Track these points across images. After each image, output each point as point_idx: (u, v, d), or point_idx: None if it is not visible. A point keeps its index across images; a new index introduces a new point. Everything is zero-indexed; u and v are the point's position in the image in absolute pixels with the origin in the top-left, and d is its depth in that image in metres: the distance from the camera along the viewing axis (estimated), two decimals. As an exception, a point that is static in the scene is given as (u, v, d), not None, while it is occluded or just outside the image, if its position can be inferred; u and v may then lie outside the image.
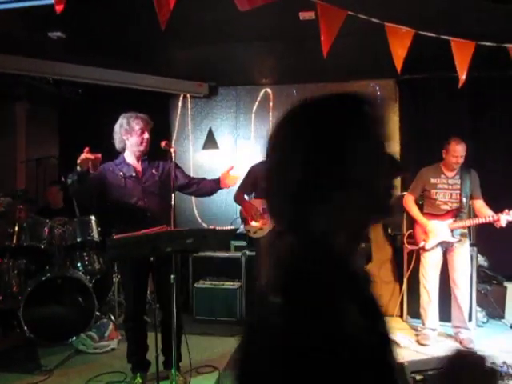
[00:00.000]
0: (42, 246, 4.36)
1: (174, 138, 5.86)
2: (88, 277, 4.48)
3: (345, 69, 5.05)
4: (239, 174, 3.57)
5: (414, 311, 4.64)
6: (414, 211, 4.25)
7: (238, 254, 5.11)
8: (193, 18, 3.65)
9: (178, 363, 3.14)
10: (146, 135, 3.23)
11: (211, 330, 4.51)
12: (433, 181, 4.17)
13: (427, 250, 4.15)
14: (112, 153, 3.31)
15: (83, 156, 2.86)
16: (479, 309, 4.64)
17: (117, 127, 3.24)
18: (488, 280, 4.84)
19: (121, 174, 3.21)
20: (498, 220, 3.88)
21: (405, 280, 4.74)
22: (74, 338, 4.06)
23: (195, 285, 4.95)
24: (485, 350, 3.67)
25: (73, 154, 3.01)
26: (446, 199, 4.13)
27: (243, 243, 5.20)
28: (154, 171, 3.29)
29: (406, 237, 4.38)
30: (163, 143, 3.13)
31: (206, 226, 5.69)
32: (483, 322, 4.64)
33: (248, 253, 5.03)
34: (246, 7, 2.54)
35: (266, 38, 4.14)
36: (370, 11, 2.78)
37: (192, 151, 5.88)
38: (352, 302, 0.71)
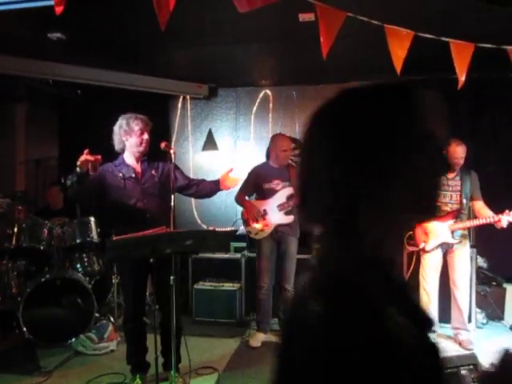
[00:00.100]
0: (42, 247, 4.36)
1: (174, 139, 5.86)
2: (87, 278, 4.47)
3: (344, 70, 5.05)
4: (239, 176, 3.57)
5: (414, 312, 4.63)
6: None
7: (238, 256, 5.11)
8: (192, 20, 3.66)
9: (177, 365, 3.14)
10: (146, 136, 3.23)
11: (211, 332, 4.51)
12: None
13: (427, 252, 4.15)
14: (112, 154, 3.31)
15: (83, 157, 2.86)
16: (479, 310, 4.64)
17: (116, 128, 3.24)
18: (487, 281, 4.84)
19: (120, 175, 3.21)
20: (499, 221, 3.88)
21: (404, 281, 4.73)
22: (74, 339, 4.05)
23: (195, 286, 4.95)
24: (484, 352, 3.67)
25: (72, 155, 3.02)
26: (446, 200, 4.13)
27: (243, 245, 5.20)
28: (153, 172, 3.29)
29: (405, 238, 4.38)
30: (163, 144, 3.13)
31: (205, 227, 5.69)
32: (483, 324, 4.64)
33: (248, 254, 5.03)
34: (245, 8, 2.54)
35: (265, 39, 4.15)
36: (369, 13, 2.78)
37: (192, 152, 5.88)
38: (397, 307, 0.67)
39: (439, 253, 4.16)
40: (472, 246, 4.44)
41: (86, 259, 4.64)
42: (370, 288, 0.67)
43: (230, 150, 5.81)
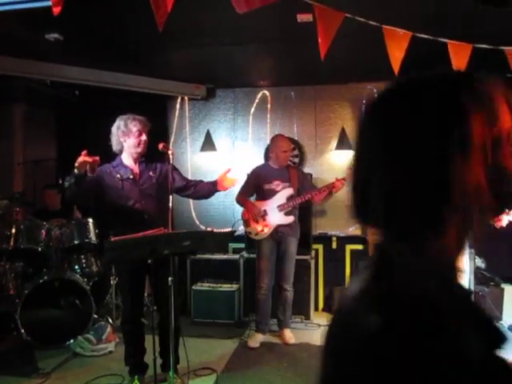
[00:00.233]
0: (40, 249, 4.35)
1: (172, 140, 5.86)
2: (85, 279, 4.47)
3: (342, 71, 5.06)
4: (236, 177, 3.58)
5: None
6: None
7: (236, 257, 5.11)
8: (190, 20, 3.65)
9: (175, 366, 3.14)
10: (144, 137, 3.23)
11: (209, 333, 4.51)
12: None
13: None
14: (110, 155, 3.30)
15: (81, 159, 2.85)
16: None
17: (114, 129, 3.24)
18: (485, 282, 4.85)
19: (118, 176, 3.20)
20: (500, 220, 3.88)
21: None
22: (72, 340, 4.05)
23: (193, 287, 4.94)
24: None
25: (70, 156, 3.01)
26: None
27: (241, 245, 5.20)
28: (151, 173, 3.29)
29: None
30: (161, 145, 3.13)
31: (203, 228, 5.68)
32: (481, 324, 4.64)
33: (246, 255, 5.03)
34: (243, 9, 2.54)
35: (263, 39, 4.15)
36: (367, 13, 2.79)
37: (190, 153, 5.87)
38: (467, 323, 0.61)
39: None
40: (470, 246, 4.44)
41: (84, 260, 4.64)
42: (439, 302, 0.61)
43: (228, 150, 5.81)
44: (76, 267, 4.59)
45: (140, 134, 3.21)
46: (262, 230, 4.22)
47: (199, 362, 3.66)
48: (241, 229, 5.09)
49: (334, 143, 5.55)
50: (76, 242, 4.51)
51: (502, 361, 0.62)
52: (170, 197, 3.14)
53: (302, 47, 4.01)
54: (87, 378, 3.45)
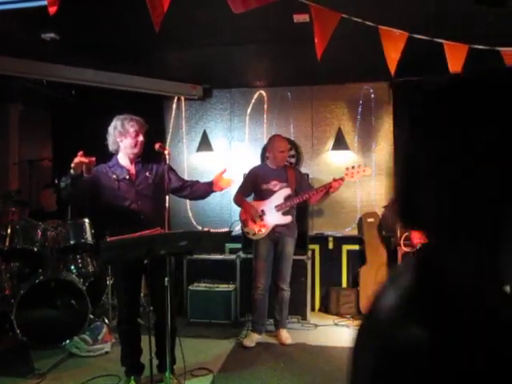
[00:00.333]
0: (35, 249, 4.33)
1: (168, 140, 5.85)
2: (81, 279, 4.45)
3: (339, 71, 5.06)
4: (232, 178, 3.57)
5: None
6: None
7: (233, 257, 5.10)
8: (187, 20, 3.65)
9: (172, 366, 3.13)
10: (141, 138, 3.22)
11: (206, 333, 4.51)
12: None
13: None
14: (106, 155, 3.30)
15: (77, 159, 2.84)
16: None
17: (111, 129, 3.23)
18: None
19: (114, 176, 3.19)
20: None
21: (399, 282, 4.75)
22: (68, 341, 4.03)
23: (190, 287, 4.94)
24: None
25: (66, 156, 3.00)
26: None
27: (238, 246, 5.20)
28: (147, 174, 3.28)
29: (402, 239, 4.39)
30: (157, 145, 3.12)
31: (200, 228, 5.68)
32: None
33: (243, 255, 5.03)
34: (240, 9, 2.54)
35: (260, 40, 4.15)
36: (363, 14, 2.79)
37: (186, 153, 5.87)
38: None
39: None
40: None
41: (80, 261, 4.63)
42: (498, 314, 0.56)
43: (224, 150, 5.80)
44: (72, 267, 4.57)
45: (137, 135, 3.20)
46: (260, 230, 4.22)
47: (195, 363, 3.66)
48: (237, 229, 5.09)
49: (331, 143, 5.55)
50: (72, 242, 4.49)
51: None
52: (167, 197, 3.13)
53: (299, 47, 4.01)
54: (83, 378, 3.44)
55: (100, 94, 5.22)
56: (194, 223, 5.77)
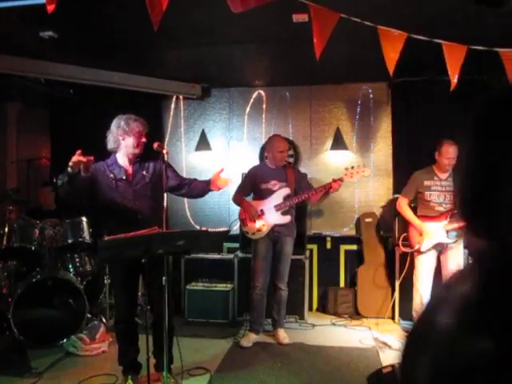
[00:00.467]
0: (33, 248, 4.33)
1: (167, 139, 5.84)
2: (79, 278, 4.45)
3: (338, 71, 5.07)
4: (230, 177, 3.56)
5: (406, 313, 4.65)
6: (409, 214, 4.27)
7: (231, 256, 5.11)
8: (186, 19, 3.65)
9: (169, 365, 3.13)
10: (144, 139, 3.22)
11: (203, 332, 4.50)
12: (426, 183, 4.20)
13: (422, 253, 4.16)
14: (104, 154, 3.29)
15: (75, 158, 2.83)
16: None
17: (113, 127, 3.21)
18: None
19: (111, 175, 3.18)
20: None
21: (397, 282, 4.75)
22: (65, 340, 4.03)
23: (187, 287, 4.94)
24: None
25: (64, 155, 2.99)
26: (440, 201, 4.16)
27: (236, 245, 5.20)
28: (144, 173, 3.27)
29: (400, 239, 4.39)
30: (155, 144, 3.11)
31: (198, 227, 5.68)
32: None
33: (240, 255, 5.03)
34: (239, 9, 2.54)
35: (259, 39, 4.15)
36: (362, 14, 2.79)
37: (185, 153, 5.86)
38: None
39: (433, 254, 4.17)
40: (465, 247, 4.46)
41: (77, 259, 4.62)
42: None
43: (223, 150, 5.80)
44: (69, 266, 4.57)
45: (140, 136, 3.20)
46: (259, 230, 4.22)
47: (193, 362, 3.66)
48: (235, 228, 5.09)
49: (329, 143, 5.55)
50: (70, 241, 4.49)
51: None
52: (165, 196, 3.13)
53: (298, 47, 4.01)
54: (80, 377, 3.44)
55: (98, 92, 5.21)
56: (192, 222, 5.76)
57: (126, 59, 4.69)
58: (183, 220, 5.75)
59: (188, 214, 5.79)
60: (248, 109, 5.73)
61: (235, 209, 4.65)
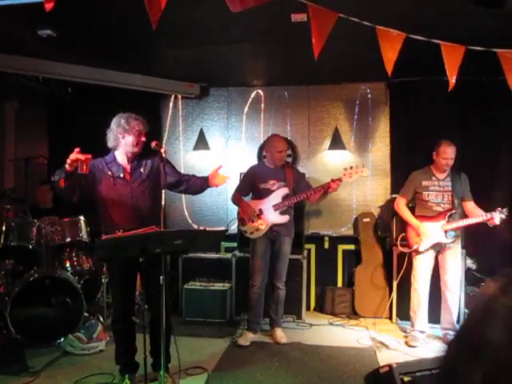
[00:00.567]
0: (30, 246, 4.32)
1: (165, 138, 5.84)
2: (76, 277, 4.44)
3: (336, 71, 5.07)
4: (228, 175, 3.55)
5: (403, 313, 4.66)
6: (406, 214, 4.27)
7: (229, 256, 5.10)
8: (184, 19, 3.64)
9: (166, 365, 3.13)
10: (143, 138, 3.22)
11: (201, 332, 4.50)
12: (424, 183, 4.21)
13: (420, 253, 4.17)
14: (102, 152, 3.28)
15: (73, 156, 2.83)
16: (467, 311, 4.67)
17: (113, 125, 3.21)
18: (476, 282, 4.88)
19: (109, 173, 3.18)
20: (492, 218, 3.90)
21: (395, 282, 4.76)
22: (62, 339, 4.02)
23: (185, 286, 4.94)
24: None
25: (62, 153, 2.98)
26: (438, 201, 4.16)
27: (234, 244, 5.20)
28: (141, 170, 3.26)
29: (399, 240, 4.39)
30: (153, 143, 3.10)
31: (196, 227, 5.68)
32: (471, 324, 4.67)
33: (238, 254, 5.03)
34: (237, 8, 2.54)
35: (257, 39, 4.15)
36: (361, 14, 2.79)
37: (183, 152, 5.86)
38: None
39: (432, 254, 4.18)
40: (462, 247, 4.47)
41: (75, 258, 4.61)
42: None
43: (221, 149, 5.80)
44: (67, 265, 4.56)
45: (140, 134, 3.19)
46: (257, 229, 4.22)
47: (190, 361, 3.65)
48: (233, 228, 5.09)
49: (327, 143, 5.56)
50: (67, 240, 4.48)
51: None
52: (163, 195, 3.12)
53: (296, 47, 4.01)
54: (77, 376, 3.43)
55: (97, 91, 5.20)
56: (190, 222, 5.76)
57: (124, 58, 4.69)
58: (181, 219, 5.75)
59: (186, 213, 5.79)
60: (246, 108, 5.73)
61: (233, 208, 4.64)
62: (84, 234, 4.54)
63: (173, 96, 5.80)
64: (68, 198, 3.10)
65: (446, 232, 4.07)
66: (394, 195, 5.01)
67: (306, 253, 5.12)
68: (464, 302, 4.54)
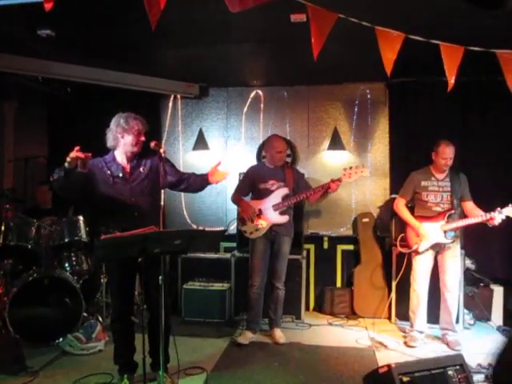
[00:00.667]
0: (29, 246, 4.32)
1: (164, 138, 5.85)
2: (75, 277, 4.44)
3: (335, 71, 5.07)
4: (227, 171, 3.54)
5: (402, 313, 4.66)
6: (406, 214, 4.27)
7: (228, 256, 5.11)
8: (184, 19, 3.64)
9: (165, 365, 3.13)
10: (143, 138, 3.22)
11: (200, 332, 4.50)
12: (423, 183, 4.21)
13: (420, 253, 4.17)
14: (101, 152, 3.28)
15: (73, 154, 2.83)
16: (466, 311, 4.68)
17: (113, 125, 3.21)
18: (475, 282, 4.88)
19: (108, 172, 3.18)
20: (492, 219, 3.89)
21: (394, 283, 4.76)
22: (61, 339, 4.02)
23: (184, 286, 4.94)
24: (471, 352, 3.70)
25: (62, 153, 2.98)
26: (437, 201, 4.16)
27: (233, 244, 5.20)
28: (141, 169, 3.26)
29: (398, 240, 4.39)
30: (153, 143, 3.10)
31: (195, 227, 5.68)
32: (470, 324, 4.68)
33: (237, 254, 5.03)
34: (236, 8, 2.53)
35: (257, 39, 4.15)
36: (360, 14, 2.79)
37: (182, 152, 5.86)
38: None
39: (431, 254, 4.18)
40: (461, 248, 4.47)
41: (74, 258, 4.61)
42: None
43: (220, 149, 5.80)
44: (66, 265, 4.56)
45: (139, 134, 3.19)
46: (257, 229, 4.22)
47: (189, 361, 3.65)
48: (232, 228, 5.09)
49: (327, 143, 5.57)
50: (66, 240, 4.48)
51: None
52: (162, 195, 3.12)
53: (296, 47, 4.01)
54: (76, 376, 3.43)
55: (96, 91, 5.20)
56: (189, 222, 5.77)
57: (124, 58, 4.69)
58: (180, 219, 5.75)
59: (185, 212, 5.79)
60: (246, 108, 5.74)
61: (232, 208, 4.64)
62: (83, 233, 4.54)
63: (172, 96, 5.80)
64: (68, 196, 3.10)
65: (445, 232, 4.07)
66: (393, 195, 5.02)
67: (305, 253, 5.12)
68: (463, 302, 4.54)
